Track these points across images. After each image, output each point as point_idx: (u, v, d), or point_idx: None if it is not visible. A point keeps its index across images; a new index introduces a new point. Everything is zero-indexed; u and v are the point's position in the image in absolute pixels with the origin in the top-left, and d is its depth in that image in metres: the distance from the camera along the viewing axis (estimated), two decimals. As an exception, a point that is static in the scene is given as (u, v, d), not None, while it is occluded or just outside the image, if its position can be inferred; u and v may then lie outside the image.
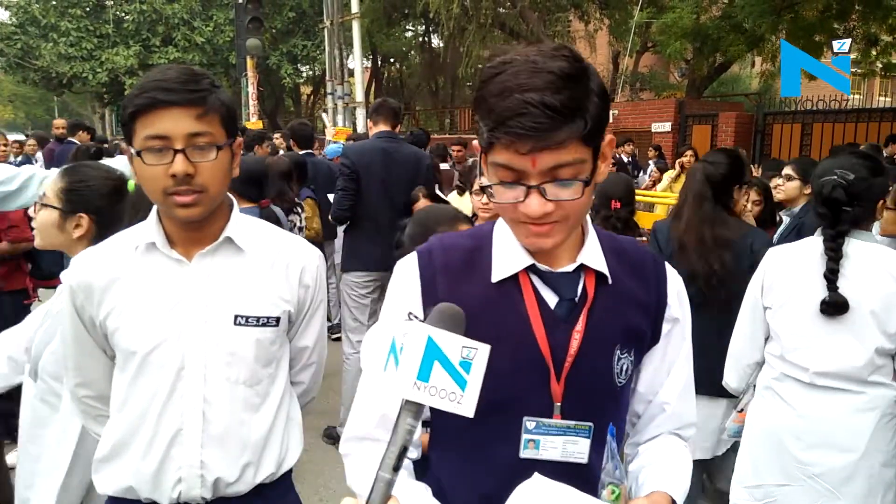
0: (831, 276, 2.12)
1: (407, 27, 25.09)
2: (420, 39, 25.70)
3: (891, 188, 2.65)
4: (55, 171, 1.98)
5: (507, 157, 0.99)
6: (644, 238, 3.61)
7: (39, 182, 2.78)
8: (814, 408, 2.18)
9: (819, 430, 2.17)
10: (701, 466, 2.74)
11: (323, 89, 21.94)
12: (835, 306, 2.11)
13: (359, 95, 16.02)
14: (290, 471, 1.63)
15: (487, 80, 0.99)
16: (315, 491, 3.36)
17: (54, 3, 21.48)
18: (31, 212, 1.96)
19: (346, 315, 4.30)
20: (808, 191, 3.71)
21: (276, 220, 3.95)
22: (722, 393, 2.56)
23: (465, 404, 0.91)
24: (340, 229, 4.61)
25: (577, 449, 1.13)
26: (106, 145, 8.62)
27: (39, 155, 9.37)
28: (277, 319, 1.51)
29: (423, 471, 1.20)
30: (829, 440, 2.15)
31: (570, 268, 1.12)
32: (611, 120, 15.01)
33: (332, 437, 4.16)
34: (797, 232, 3.46)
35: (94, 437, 1.59)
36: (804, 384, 2.20)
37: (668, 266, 1.23)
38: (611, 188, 3.30)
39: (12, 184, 2.80)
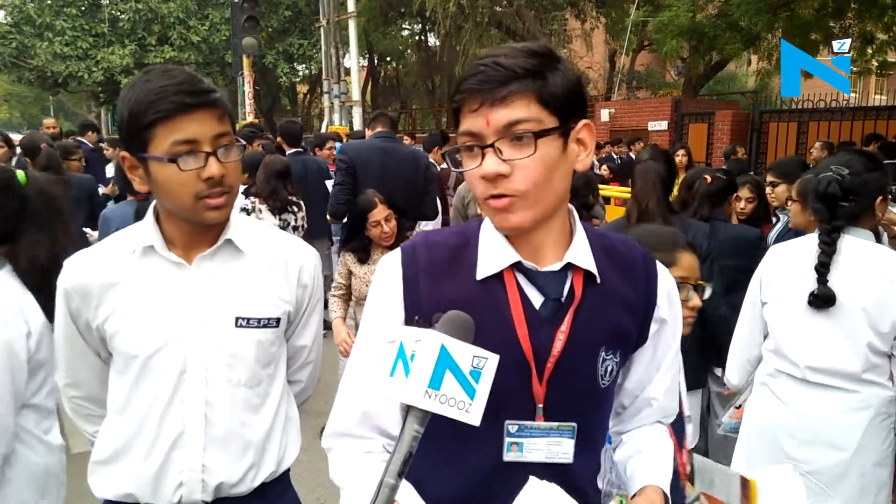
0: (822, 269, 2.14)
1: (403, 26, 25.09)
2: (416, 38, 25.70)
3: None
4: None
5: (465, 121, 1.02)
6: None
7: None
8: (807, 405, 2.19)
9: (812, 427, 2.18)
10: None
11: (319, 88, 21.95)
12: (822, 299, 2.13)
13: (355, 94, 16.02)
14: (289, 470, 1.63)
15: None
16: (312, 490, 3.37)
17: (49, 2, 21.42)
18: None
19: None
20: None
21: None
22: (697, 385, 2.84)
23: (472, 413, 0.91)
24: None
25: (561, 449, 1.12)
26: (104, 145, 8.59)
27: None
28: (278, 320, 1.51)
29: None
30: (822, 438, 2.15)
31: (556, 266, 1.11)
32: (607, 118, 15.11)
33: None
34: (795, 231, 3.46)
35: (90, 439, 1.59)
36: (797, 380, 2.21)
37: (659, 265, 1.21)
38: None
39: None
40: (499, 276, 1.09)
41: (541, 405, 1.09)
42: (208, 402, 1.45)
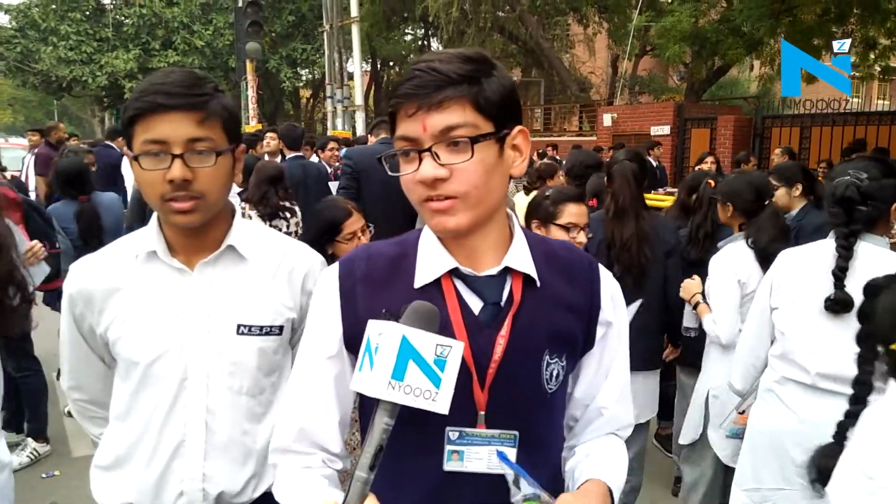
0: (840, 273, 2.12)
1: (406, 31, 25.17)
2: (419, 43, 25.75)
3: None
4: None
5: (402, 126, 1.03)
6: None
7: None
8: (815, 412, 2.16)
9: (820, 435, 2.15)
10: (646, 427, 3.18)
11: (322, 93, 21.97)
12: (840, 304, 2.11)
13: (358, 99, 16.05)
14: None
15: None
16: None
17: (54, 6, 21.53)
18: None
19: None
20: (797, 193, 3.76)
21: (96, 216, 4.27)
22: (655, 366, 3.06)
23: (439, 401, 0.92)
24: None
25: None
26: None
27: (30, 157, 8.99)
28: (281, 328, 1.48)
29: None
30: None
31: (493, 271, 1.10)
32: (610, 123, 15.11)
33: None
34: (795, 234, 3.46)
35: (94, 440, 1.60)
36: (805, 387, 2.19)
37: (602, 269, 1.20)
38: None
39: None
40: (437, 284, 1.09)
41: (482, 412, 1.07)
42: (209, 409, 1.44)
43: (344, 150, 6.80)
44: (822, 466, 1.54)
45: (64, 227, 4.07)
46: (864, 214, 2.14)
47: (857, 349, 2.07)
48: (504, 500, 1.05)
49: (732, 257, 2.81)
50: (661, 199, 7.51)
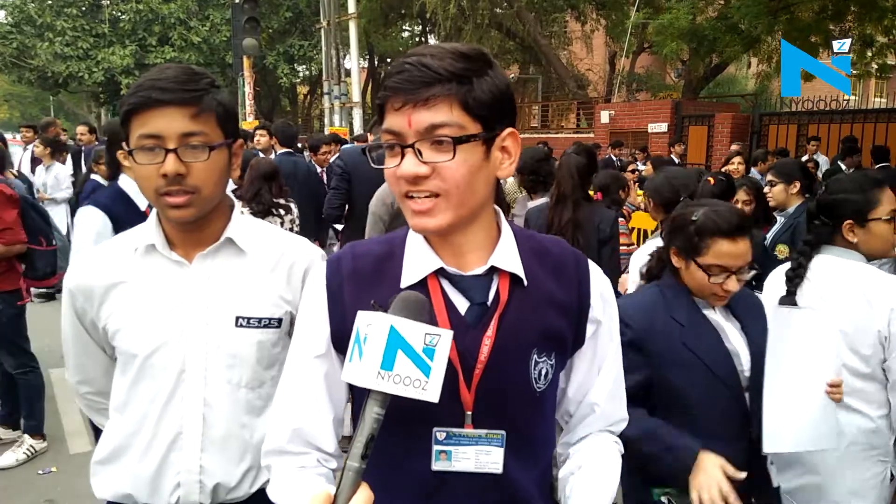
0: (787, 282, 2.16)
1: (404, 27, 25.12)
2: (417, 40, 25.70)
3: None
4: None
5: (388, 119, 1.01)
6: None
7: None
8: None
9: None
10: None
11: (320, 89, 21.94)
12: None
13: (355, 95, 16.02)
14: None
15: None
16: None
17: (50, 2, 21.42)
18: None
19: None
20: (794, 190, 3.74)
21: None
22: None
23: (429, 390, 0.92)
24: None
25: (490, 459, 1.09)
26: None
27: (26, 155, 8.74)
28: (279, 321, 1.49)
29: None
30: (797, 458, 2.10)
31: (480, 270, 1.09)
32: (607, 120, 15.12)
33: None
34: (792, 232, 3.47)
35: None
36: None
37: (592, 266, 1.20)
38: None
39: None
40: (423, 283, 1.08)
41: (469, 412, 1.08)
42: (207, 402, 1.44)
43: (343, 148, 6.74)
44: None
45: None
46: (816, 228, 2.17)
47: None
48: (493, 499, 1.06)
49: (644, 252, 2.77)
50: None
